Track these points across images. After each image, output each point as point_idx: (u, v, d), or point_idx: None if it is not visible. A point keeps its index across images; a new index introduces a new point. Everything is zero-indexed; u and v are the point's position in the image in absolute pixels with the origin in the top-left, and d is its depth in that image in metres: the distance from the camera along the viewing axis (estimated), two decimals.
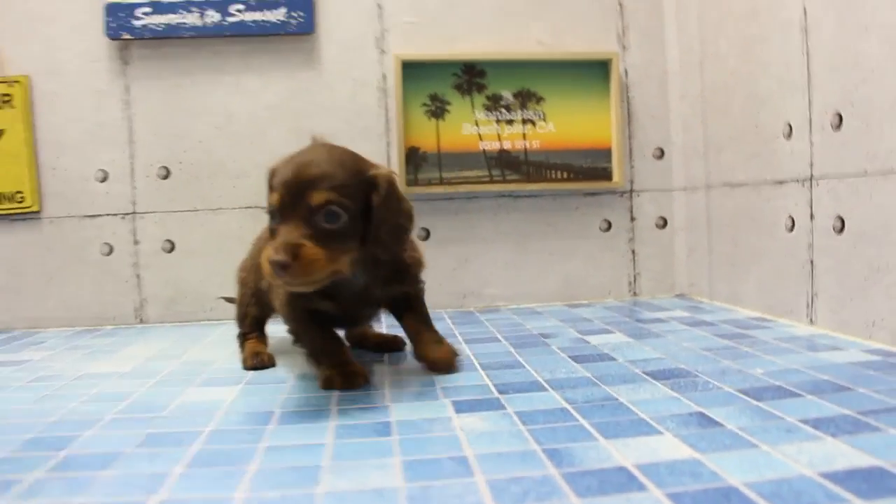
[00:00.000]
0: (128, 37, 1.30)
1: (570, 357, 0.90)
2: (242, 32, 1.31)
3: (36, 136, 1.33)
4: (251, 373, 0.87)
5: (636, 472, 0.50)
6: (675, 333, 1.02)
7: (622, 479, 0.49)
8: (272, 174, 0.71)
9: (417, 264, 0.84)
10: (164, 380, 0.84)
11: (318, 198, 0.65)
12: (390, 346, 0.98)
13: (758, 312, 1.15)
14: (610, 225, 1.38)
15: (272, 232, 0.67)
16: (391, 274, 0.79)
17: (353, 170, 0.69)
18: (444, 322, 1.22)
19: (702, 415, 0.63)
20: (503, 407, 0.69)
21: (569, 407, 0.68)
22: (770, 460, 0.51)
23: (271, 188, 0.69)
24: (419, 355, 0.84)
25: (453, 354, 0.83)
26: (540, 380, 0.79)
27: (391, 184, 0.71)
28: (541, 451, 0.56)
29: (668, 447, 0.55)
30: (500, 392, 0.74)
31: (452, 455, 0.55)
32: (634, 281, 1.40)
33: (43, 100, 1.33)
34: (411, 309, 0.86)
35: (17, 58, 1.32)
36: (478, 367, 0.87)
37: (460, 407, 0.69)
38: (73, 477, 0.53)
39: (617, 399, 0.69)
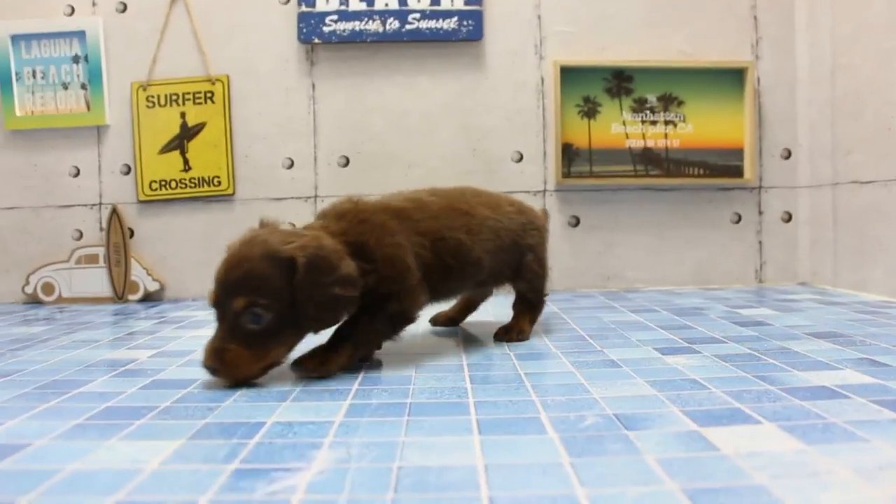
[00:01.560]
0: (317, 41, 1.47)
1: (730, 322, 1.03)
2: (418, 38, 1.47)
3: (232, 128, 1.51)
4: None
5: (837, 389, 0.65)
6: (815, 310, 1.15)
7: (829, 393, 0.64)
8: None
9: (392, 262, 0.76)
10: None
11: (238, 304, 0.66)
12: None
13: (886, 297, 1.28)
14: (740, 217, 1.53)
15: None
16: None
17: (271, 260, 0.68)
18: (595, 298, 1.38)
19: (870, 360, 0.77)
20: (699, 352, 0.82)
21: (755, 353, 0.81)
22: None
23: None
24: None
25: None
26: (717, 336, 0.92)
27: (311, 259, 0.68)
28: (752, 376, 0.70)
29: (853, 377, 0.69)
30: (689, 343, 0.88)
31: (684, 378, 0.70)
32: (760, 269, 1.54)
33: (239, 96, 1.51)
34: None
35: (220, 59, 1.51)
36: (655, 327, 1.01)
37: (664, 351, 0.83)
38: None
39: (791, 349, 0.83)
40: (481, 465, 0.46)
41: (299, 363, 0.73)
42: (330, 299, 0.69)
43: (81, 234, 1.48)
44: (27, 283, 1.51)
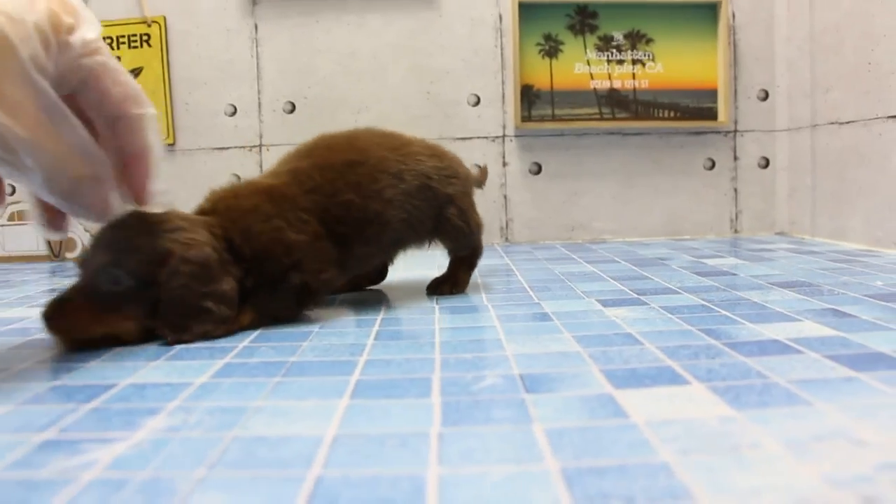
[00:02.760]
0: None
1: (692, 273, 0.94)
2: None
3: (171, 74, 1.40)
4: None
5: (790, 343, 0.56)
6: (787, 259, 1.06)
7: (779, 347, 0.55)
8: None
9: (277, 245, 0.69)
10: None
11: (101, 259, 0.59)
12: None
13: (865, 245, 1.20)
14: (714, 163, 1.43)
15: None
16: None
17: (151, 238, 0.61)
18: (556, 249, 1.29)
19: (835, 310, 0.68)
20: (646, 304, 0.74)
21: (708, 304, 0.73)
22: None
23: None
24: None
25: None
26: (671, 286, 0.84)
27: (186, 261, 0.61)
28: (696, 330, 0.61)
29: (812, 329, 0.60)
30: (638, 294, 0.80)
31: (618, 332, 0.61)
32: (736, 219, 1.45)
33: (177, 39, 1.40)
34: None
35: (156, 0, 1.38)
36: (607, 278, 0.92)
37: (606, 303, 0.75)
38: None
39: (750, 300, 0.74)
40: (331, 435, 0.38)
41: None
42: (196, 309, 0.61)
43: (14, 190, 1.37)
44: None
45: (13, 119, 0.42)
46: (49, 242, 1.39)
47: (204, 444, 0.38)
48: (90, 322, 0.60)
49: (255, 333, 0.65)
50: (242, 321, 0.67)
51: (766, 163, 1.44)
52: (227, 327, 0.65)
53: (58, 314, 0.59)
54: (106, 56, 0.49)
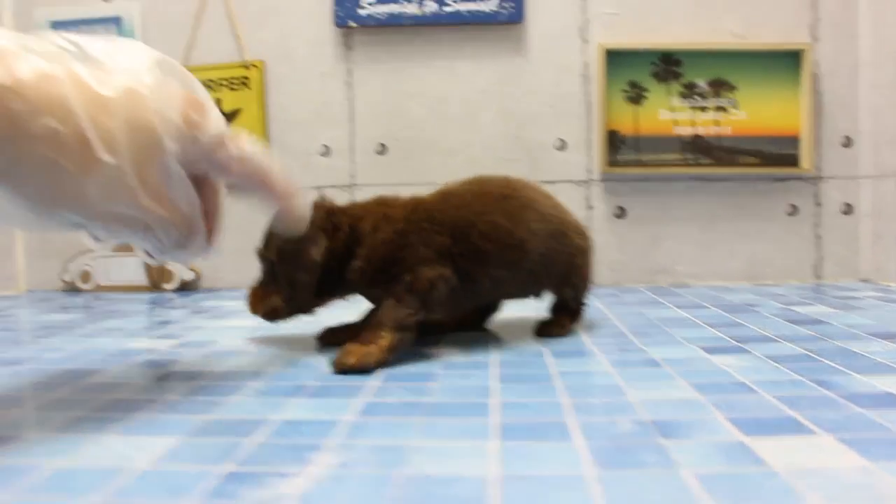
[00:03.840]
0: (353, 25, 1.41)
1: (785, 321, 0.95)
2: (457, 21, 1.41)
3: (268, 115, 1.46)
4: None
5: None
6: (878, 307, 1.06)
7: (893, 401, 0.56)
8: None
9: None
10: None
11: (258, 252, 0.78)
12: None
13: None
14: (796, 209, 1.44)
15: None
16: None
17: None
18: (642, 293, 1.31)
19: None
20: (748, 352, 0.75)
21: (811, 353, 0.74)
22: None
23: None
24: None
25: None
26: (768, 334, 0.85)
27: (279, 238, 0.74)
28: (807, 380, 0.63)
29: None
30: (738, 342, 0.81)
31: (731, 381, 0.64)
32: (818, 265, 1.45)
33: (275, 82, 1.46)
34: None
35: (255, 44, 1.46)
36: (703, 324, 0.94)
37: (710, 350, 0.77)
38: None
39: (851, 350, 0.75)
40: (495, 475, 0.41)
41: (337, 361, 0.69)
42: (294, 281, 0.74)
43: None
44: (65, 270, 1.50)
45: (156, 203, 0.48)
46: (149, 273, 1.46)
47: (378, 481, 0.41)
48: (256, 302, 0.80)
49: (386, 372, 0.70)
50: (383, 345, 0.71)
51: (848, 209, 1.45)
52: (378, 357, 0.71)
53: (248, 296, 0.79)
54: (230, 149, 0.53)
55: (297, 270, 0.72)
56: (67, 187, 0.43)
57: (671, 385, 0.62)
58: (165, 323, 1.00)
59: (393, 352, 0.72)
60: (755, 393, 0.59)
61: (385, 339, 0.72)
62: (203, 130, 0.50)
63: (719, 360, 0.72)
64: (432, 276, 0.75)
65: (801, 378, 0.64)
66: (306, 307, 0.76)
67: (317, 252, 0.71)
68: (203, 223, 0.57)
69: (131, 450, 0.47)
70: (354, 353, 0.69)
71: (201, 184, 0.58)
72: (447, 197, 0.81)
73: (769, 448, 0.46)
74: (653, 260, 1.44)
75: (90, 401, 0.59)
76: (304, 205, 0.65)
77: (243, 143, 0.53)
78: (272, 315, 0.75)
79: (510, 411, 0.55)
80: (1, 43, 0.40)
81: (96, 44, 0.46)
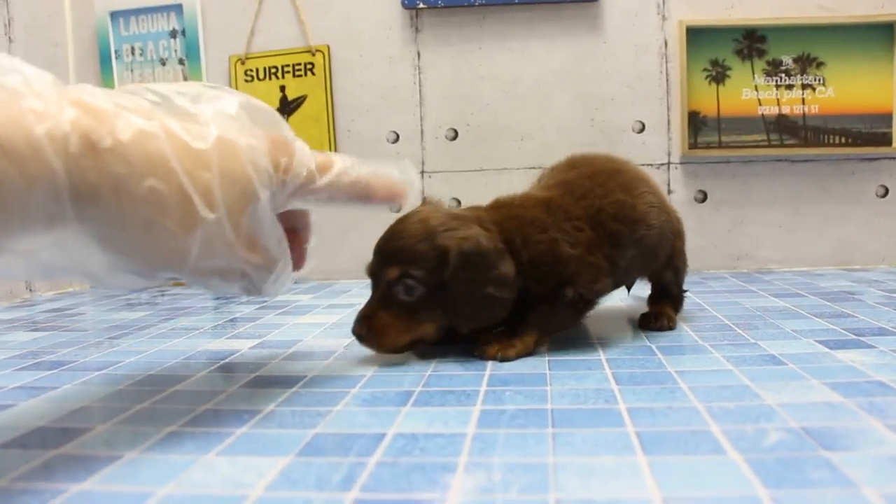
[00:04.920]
0: (422, 6, 1.36)
1: (893, 309, 0.89)
2: (529, 0, 1.35)
3: (334, 101, 1.42)
4: None
5: None
6: None
7: None
8: None
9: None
10: None
11: (391, 273, 0.66)
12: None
13: None
14: (887, 191, 1.37)
15: None
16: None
17: (429, 242, 0.66)
18: (727, 280, 1.27)
19: None
20: (872, 346, 0.70)
21: None
22: None
23: None
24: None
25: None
26: (886, 326, 0.80)
27: (466, 254, 0.65)
28: None
29: None
30: (856, 335, 0.76)
31: (867, 380, 0.59)
32: None
33: (341, 67, 1.43)
34: None
35: (319, 29, 1.42)
36: (808, 315, 0.89)
37: (828, 344, 0.72)
38: None
39: None
40: (657, 497, 0.36)
41: (481, 348, 0.70)
42: (481, 298, 0.66)
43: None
44: None
45: (251, 251, 0.47)
46: None
47: None
48: (397, 333, 0.67)
49: (487, 374, 0.66)
50: (528, 343, 0.72)
51: None
52: (519, 348, 0.71)
53: (369, 332, 0.68)
54: (321, 181, 0.52)
55: (487, 287, 0.66)
56: (170, 247, 0.42)
57: (805, 386, 0.58)
58: (238, 321, 0.97)
59: (528, 353, 0.73)
60: None
61: (530, 339, 0.73)
62: (292, 173, 0.49)
63: (844, 356, 0.68)
64: (599, 287, 0.75)
65: None
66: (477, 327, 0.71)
67: (509, 267, 0.68)
68: (290, 255, 0.55)
69: (239, 472, 0.43)
70: (513, 346, 0.71)
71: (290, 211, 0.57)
72: (567, 187, 0.78)
73: None
74: (735, 245, 1.38)
75: (181, 413, 0.56)
76: (413, 197, 0.61)
77: (334, 168, 0.52)
78: (409, 346, 0.70)
79: (644, 419, 0.51)
80: (100, 104, 0.39)
81: (179, 92, 0.45)
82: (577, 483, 0.40)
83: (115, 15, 1.47)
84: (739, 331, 0.79)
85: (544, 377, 0.63)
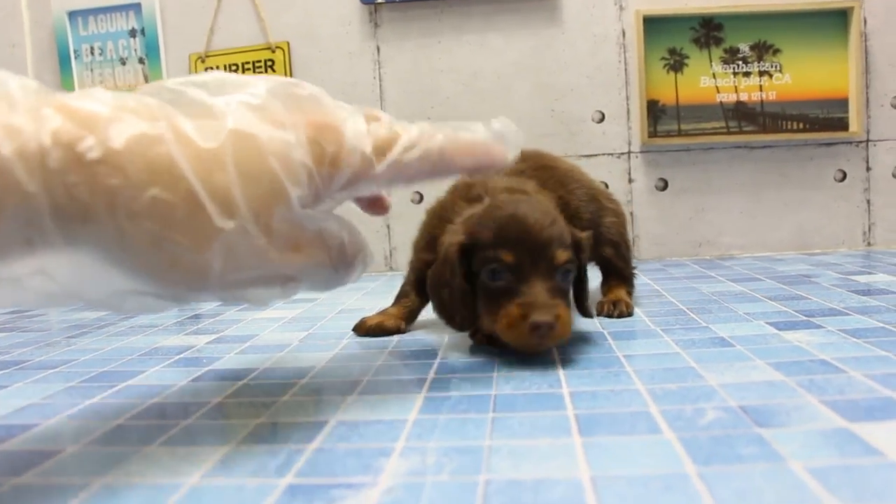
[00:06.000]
0: (381, 1, 1.36)
1: (849, 291, 0.91)
2: None
3: None
4: None
5: None
6: None
7: None
8: (491, 227, 0.65)
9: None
10: None
11: (561, 256, 0.62)
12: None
13: None
14: (845, 175, 1.39)
15: (498, 291, 0.63)
16: None
17: (568, 230, 0.67)
18: (688, 266, 1.27)
19: None
20: (821, 327, 0.71)
21: (889, 326, 0.70)
22: None
23: (497, 243, 0.63)
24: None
25: None
26: (836, 307, 0.81)
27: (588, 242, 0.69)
28: (894, 356, 0.59)
29: None
30: (806, 316, 0.77)
31: (811, 359, 0.59)
32: (869, 231, 1.40)
33: (301, 63, 1.43)
34: None
35: (279, 26, 1.42)
36: (763, 298, 0.90)
37: (778, 326, 0.73)
38: None
39: None
40: (586, 477, 0.36)
41: (599, 310, 0.80)
42: (586, 279, 0.72)
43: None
44: None
45: (294, 253, 0.41)
46: None
47: (461, 489, 0.38)
48: (570, 327, 0.64)
49: (436, 363, 0.66)
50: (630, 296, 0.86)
51: None
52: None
53: (559, 322, 0.61)
54: (383, 161, 0.44)
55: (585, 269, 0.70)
56: (186, 265, 0.36)
57: (749, 366, 0.58)
58: (199, 317, 0.96)
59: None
60: (843, 372, 0.55)
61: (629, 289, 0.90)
62: (342, 164, 0.41)
63: (792, 337, 0.68)
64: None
65: (887, 354, 0.60)
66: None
67: None
68: (359, 240, 0.48)
69: (178, 462, 0.43)
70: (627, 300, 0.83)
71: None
72: (539, 176, 0.82)
73: (879, 435, 0.42)
74: (696, 232, 1.39)
75: (129, 406, 0.55)
76: (512, 156, 0.52)
77: (395, 147, 0.44)
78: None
79: (586, 402, 0.51)
80: (91, 107, 0.33)
81: (198, 84, 0.39)
82: (508, 465, 0.40)
83: (73, 14, 1.45)
84: (693, 315, 0.80)
85: (492, 364, 0.63)
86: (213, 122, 0.37)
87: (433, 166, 0.46)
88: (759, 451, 0.40)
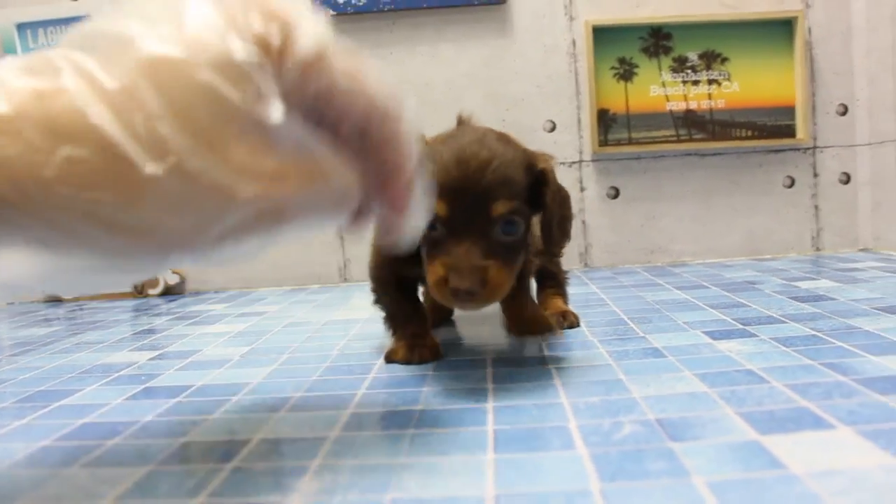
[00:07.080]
0: (331, 13, 1.36)
1: (788, 298, 0.92)
2: (438, 4, 1.37)
3: None
4: None
5: None
6: (882, 279, 1.04)
7: None
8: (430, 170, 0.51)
9: None
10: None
11: (500, 208, 0.54)
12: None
13: None
14: (793, 181, 1.41)
15: (433, 242, 0.56)
16: None
17: (524, 165, 0.58)
18: (639, 274, 1.28)
19: None
20: (755, 335, 0.72)
21: (819, 334, 0.71)
22: None
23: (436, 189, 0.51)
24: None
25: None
26: (773, 314, 0.82)
27: (554, 173, 0.60)
28: (818, 364, 0.60)
29: None
30: (742, 324, 0.78)
31: (738, 369, 0.60)
32: (817, 236, 1.42)
33: None
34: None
35: None
36: (704, 306, 0.91)
37: (714, 335, 0.74)
38: None
39: (862, 329, 0.72)
40: (491, 495, 0.37)
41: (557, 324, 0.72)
42: (564, 219, 0.61)
43: None
44: None
45: (276, 182, 0.33)
46: None
47: None
48: (506, 288, 0.56)
49: (370, 377, 0.66)
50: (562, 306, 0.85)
51: (847, 178, 1.41)
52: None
53: (483, 286, 0.54)
54: (333, 70, 0.36)
55: (567, 203, 0.64)
56: (126, 228, 0.29)
57: (676, 377, 0.59)
58: (149, 332, 0.96)
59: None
60: (765, 382, 0.56)
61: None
62: (289, 52, 0.33)
63: (724, 346, 0.69)
64: None
65: (811, 362, 0.61)
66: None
67: None
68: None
69: (96, 483, 0.43)
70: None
71: (361, 137, 0.39)
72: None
73: (786, 447, 0.43)
74: (648, 239, 1.41)
75: (56, 427, 0.55)
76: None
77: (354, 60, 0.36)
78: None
79: (508, 417, 0.52)
80: None
81: (113, 14, 0.33)
82: (417, 483, 0.40)
83: (21, 27, 1.44)
84: (632, 325, 0.80)
85: (424, 378, 0.64)
86: (122, 56, 0.30)
87: (367, 111, 0.38)
88: (666, 467, 0.40)
